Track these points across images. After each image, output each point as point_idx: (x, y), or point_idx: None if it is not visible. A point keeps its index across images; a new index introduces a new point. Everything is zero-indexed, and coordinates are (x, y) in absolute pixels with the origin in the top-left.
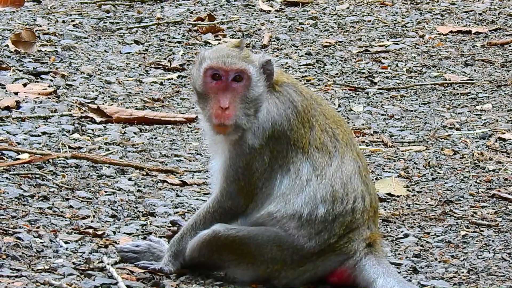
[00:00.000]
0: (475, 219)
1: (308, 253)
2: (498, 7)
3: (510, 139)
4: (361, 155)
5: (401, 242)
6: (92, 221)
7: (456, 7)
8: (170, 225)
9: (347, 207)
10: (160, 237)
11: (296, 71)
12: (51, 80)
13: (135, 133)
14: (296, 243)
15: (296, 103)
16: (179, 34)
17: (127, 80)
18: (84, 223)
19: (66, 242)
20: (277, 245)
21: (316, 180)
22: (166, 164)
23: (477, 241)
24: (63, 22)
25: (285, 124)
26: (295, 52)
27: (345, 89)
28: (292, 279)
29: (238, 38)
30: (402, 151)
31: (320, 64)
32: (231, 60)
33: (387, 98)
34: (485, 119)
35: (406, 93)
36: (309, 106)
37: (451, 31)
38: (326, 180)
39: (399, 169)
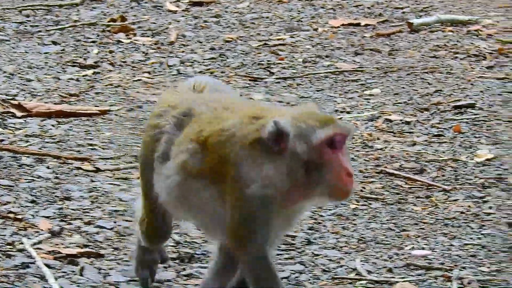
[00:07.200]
0: (364, 193)
1: None
2: (385, 1)
3: (396, 120)
4: None
5: None
6: (13, 207)
7: (347, 2)
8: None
9: None
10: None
11: (201, 64)
12: None
13: (53, 125)
14: None
15: None
16: (93, 34)
17: (46, 78)
18: (5, 208)
19: None
20: None
21: None
22: (82, 153)
23: (366, 213)
24: None
25: None
26: (200, 48)
27: (246, 80)
28: None
29: (148, 36)
30: None
31: (223, 57)
32: None
33: (284, 86)
34: (373, 103)
35: (302, 82)
36: None
37: (342, 24)
38: None
39: None
